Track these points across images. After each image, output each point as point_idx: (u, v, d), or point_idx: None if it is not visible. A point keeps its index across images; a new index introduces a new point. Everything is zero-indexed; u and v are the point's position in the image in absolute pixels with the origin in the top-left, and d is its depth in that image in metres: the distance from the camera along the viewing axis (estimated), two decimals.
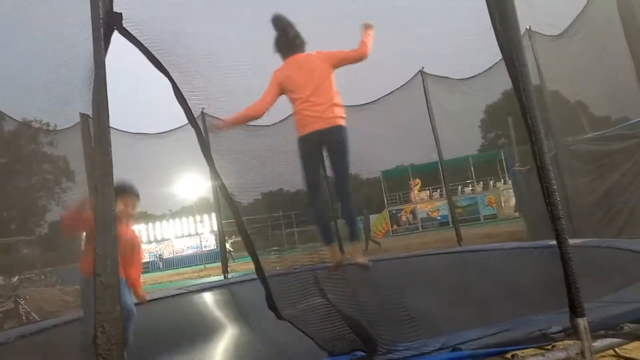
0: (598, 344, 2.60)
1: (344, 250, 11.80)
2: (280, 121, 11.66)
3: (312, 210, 4.32)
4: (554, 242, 2.70)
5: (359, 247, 4.26)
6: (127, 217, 4.89)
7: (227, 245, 25.38)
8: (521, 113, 2.76)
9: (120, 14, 2.65)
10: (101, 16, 2.46)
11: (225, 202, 3.37)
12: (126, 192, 4.88)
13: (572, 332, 2.61)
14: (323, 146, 4.26)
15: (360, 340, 2.56)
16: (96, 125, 2.27)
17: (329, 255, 4.20)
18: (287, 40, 4.31)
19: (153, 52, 2.78)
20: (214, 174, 3.02)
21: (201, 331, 5.36)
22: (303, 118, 4.24)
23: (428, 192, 35.89)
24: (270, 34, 4.22)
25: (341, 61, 4.31)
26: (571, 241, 2.72)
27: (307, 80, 4.17)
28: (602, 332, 2.71)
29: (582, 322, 2.56)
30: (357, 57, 4.34)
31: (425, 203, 34.73)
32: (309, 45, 4.40)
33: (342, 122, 4.25)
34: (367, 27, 4.45)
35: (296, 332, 2.72)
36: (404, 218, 35.31)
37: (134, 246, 5.06)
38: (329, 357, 2.59)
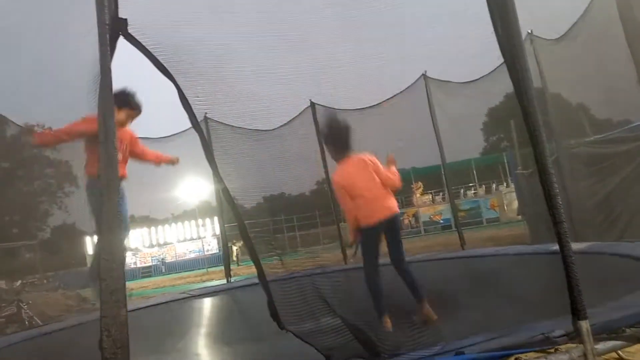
0: (600, 346, 2.61)
1: (346, 254, 11.85)
2: (282, 125, 11.71)
3: (371, 286, 4.57)
4: (556, 245, 2.71)
5: (425, 305, 4.48)
6: (124, 125, 5.24)
7: (235, 248, 26.03)
8: (523, 117, 2.78)
9: (126, 19, 2.67)
10: (107, 22, 2.48)
11: (227, 206, 3.39)
12: (130, 106, 5.18)
13: (574, 335, 2.62)
14: (384, 231, 4.81)
15: (362, 346, 2.56)
16: (102, 131, 2.29)
17: (384, 326, 4.25)
18: (343, 144, 4.98)
19: (158, 57, 2.80)
20: (217, 177, 3.03)
21: (204, 335, 5.37)
22: (368, 212, 4.72)
23: (430, 195, 35.80)
24: (274, 38, 4.28)
25: (380, 175, 4.86)
26: (573, 246, 2.73)
27: (367, 182, 4.76)
28: (604, 335, 2.72)
29: (584, 325, 2.57)
30: (392, 183, 4.93)
31: (428, 206, 34.65)
32: (310, 48, 4.64)
33: (397, 209, 4.94)
34: (390, 162, 5.13)
35: (297, 339, 2.72)
36: (406, 221, 35.20)
37: (133, 141, 5.45)
38: None
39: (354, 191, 4.74)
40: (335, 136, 5.07)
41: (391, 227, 4.81)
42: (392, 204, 4.85)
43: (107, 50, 2.39)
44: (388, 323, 4.26)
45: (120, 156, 5.04)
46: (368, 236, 4.79)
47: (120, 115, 5.01)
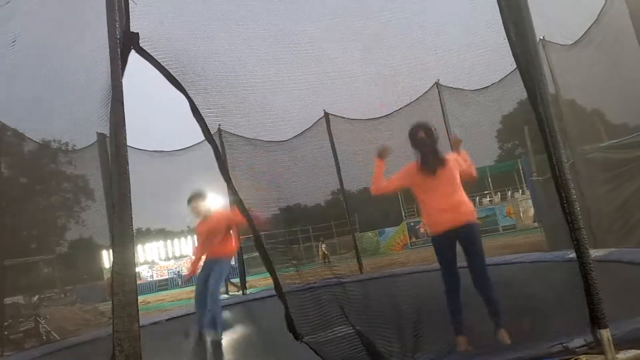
0: (621, 355, 2.55)
1: (362, 264, 11.77)
2: (296, 136, 11.73)
3: (448, 299, 4.20)
4: (574, 252, 2.66)
5: (503, 331, 3.88)
6: (203, 214, 6.82)
7: (323, 247, 28.39)
8: (537, 123, 2.74)
9: (137, 33, 2.69)
10: (118, 36, 2.50)
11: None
12: (202, 197, 6.94)
13: (594, 345, 2.56)
14: (458, 240, 4.40)
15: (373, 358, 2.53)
16: (113, 145, 2.30)
17: (459, 344, 3.80)
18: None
19: (170, 71, 2.82)
20: (231, 189, 3.03)
21: (220, 348, 5.35)
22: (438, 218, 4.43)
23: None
24: (285, 50, 4.29)
25: (462, 171, 4.57)
26: (593, 253, 2.68)
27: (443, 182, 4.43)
28: (626, 344, 2.66)
29: (605, 334, 2.52)
30: (471, 176, 4.73)
31: None
32: (321, 58, 4.58)
33: (474, 218, 4.47)
34: (457, 144, 4.96)
35: (312, 352, 2.70)
36: (422, 230, 35.01)
37: (230, 223, 6.78)
38: None
39: (427, 193, 4.49)
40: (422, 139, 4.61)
41: (465, 237, 4.39)
42: (467, 210, 4.45)
43: (118, 64, 2.41)
44: (464, 342, 3.82)
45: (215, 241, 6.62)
46: (439, 245, 4.45)
47: (203, 207, 6.87)
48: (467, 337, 3.80)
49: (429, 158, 4.45)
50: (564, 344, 2.62)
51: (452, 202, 4.37)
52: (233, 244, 6.95)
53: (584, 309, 2.61)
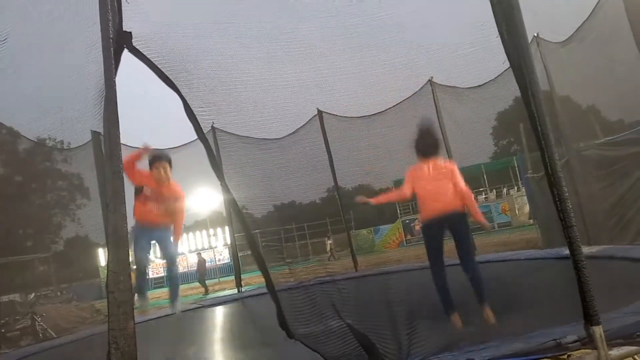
0: (614, 352, 2.57)
1: (357, 261, 11.80)
2: (290, 134, 11.74)
3: (436, 282, 4.82)
4: (568, 250, 2.67)
5: (488, 309, 4.53)
6: (167, 179, 5.87)
7: (329, 242, 29.37)
8: (530, 121, 2.75)
9: (130, 32, 2.68)
10: (111, 35, 2.50)
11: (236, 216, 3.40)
12: (161, 159, 5.87)
13: (587, 341, 2.58)
14: (447, 227, 4.98)
15: (367, 354, 2.54)
16: (107, 144, 2.30)
17: (453, 324, 4.49)
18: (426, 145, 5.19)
19: (163, 70, 2.82)
20: (225, 188, 3.03)
21: (215, 344, 5.36)
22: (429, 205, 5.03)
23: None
24: (277, 48, 4.31)
25: (456, 185, 5.02)
26: (586, 250, 2.70)
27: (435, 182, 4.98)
28: (619, 340, 2.67)
29: (597, 330, 2.53)
30: (468, 199, 5.10)
31: None
32: (313, 56, 4.66)
33: (461, 208, 5.01)
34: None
35: (307, 348, 2.71)
36: (417, 227, 35.05)
37: (179, 198, 6.06)
38: None
39: (422, 191, 5.02)
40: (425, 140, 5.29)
41: (454, 224, 4.94)
42: (455, 203, 4.96)
43: (111, 64, 2.41)
44: (457, 320, 4.44)
45: (156, 207, 5.94)
46: (427, 230, 5.10)
47: (159, 171, 5.80)
48: (459, 314, 4.32)
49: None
50: (557, 340, 2.63)
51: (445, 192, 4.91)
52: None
53: (578, 305, 2.63)
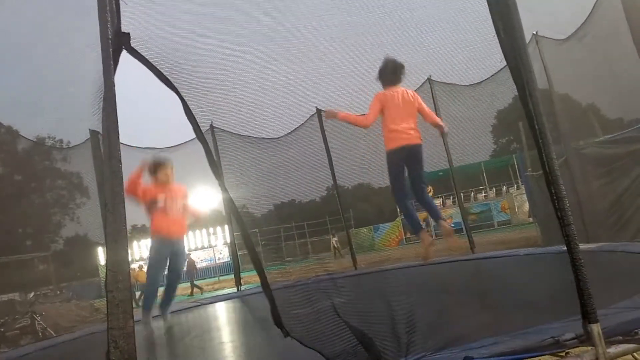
0: (612, 350, 2.58)
1: (356, 260, 11.80)
2: (289, 133, 11.74)
3: (400, 205, 5.56)
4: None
5: (445, 224, 5.33)
6: (171, 181, 6.34)
7: (334, 240, 30.00)
8: (527, 120, 2.77)
9: (128, 33, 2.69)
10: (109, 36, 2.51)
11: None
12: (163, 164, 6.34)
13: (585, 339, 2.59)
14: (406, 157, 5.43)
15: (366, 352, 2.55)
16: (106, 145, 2.31)
17: (423, 240, 5.35)
18: (389, 71, 5.56)
19: (161, 70, 2.82)
20: (222, 187, 3.04)
21: (214, 343, 5.37)
22: (395, 136, 5.40)
23: (441, 199, 35.64)
24: (276, 47, 4.33)
25: (421, 111, 5.60)
26: (586, 246, 2.71)
27: (404, 108, 5.42)
28: (618, 338, 2.68)
29: (595, 328, 2.54)
30: (432, 120, 5.76)
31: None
32: (312, 55, 4.76)
33: (420, 141, 5.49)
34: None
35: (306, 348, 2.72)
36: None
37: (186, 195, 6.60)
38: None
39: (391, 114, 5.39)
40: (389, 68, 5.61)
41: (413, 156, 5.39)
42: (416, 136, 5.41)
43: (110, 65, 2.42)
44: (426, 236, 5.25)
45: (177, 212, 6.35)
46: (393, 159, 5.45)
47: (162, 176, 6.24)
48: (428, 230, 4.68)
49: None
50: (555, 338, 2.64)
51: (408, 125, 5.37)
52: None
53: (576, 303, 2.64)
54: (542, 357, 2.61)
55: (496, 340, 2.78)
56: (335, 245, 30.40)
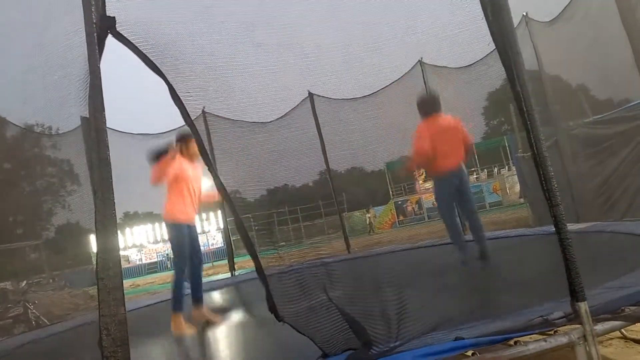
0: (599, 327, 2.62)
1: (349, 244, 11.84)
2: (281, 117, 11.70)
3: (450, 228, 5.90)
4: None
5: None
6: (196, 157, 5.69)
7: (368, 216, 31.40)
8: (515, 101, 2.78)
9: (114, 17, 2.66)
10: (94, 20, 2.48)
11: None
12: (189, 136, 5.57)
13: (573, 317, 2.62)
14: (456, 183, 5.70)
15: (356, 337, 2.57)
16: (93, 130, 2.29)
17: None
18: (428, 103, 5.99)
19: (148, 55, 2.79)
20: (213, 173, 3.04)
21: (208, 328, 5.39)
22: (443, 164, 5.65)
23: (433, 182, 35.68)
24: (262, 31, 4.28)
25: (464, 138, 5.84)
26: (575, 226, 2.74)
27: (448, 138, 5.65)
28: (606, 315, 2.72)
29: (582, 306, 2.58)
30: (469, 145, 5.94)
31: (431, 193, 34.63)
32: (299, 38, 4.76)
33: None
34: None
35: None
36: (409, 208, 35.28)
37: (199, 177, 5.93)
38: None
39: (436, 144, 5.51)
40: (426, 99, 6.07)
41: (463, 177, 5.70)
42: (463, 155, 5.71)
43: (95, 50, 2.39)
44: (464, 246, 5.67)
45: (196, 194, 5.88)
46: (441, 185, 5.79)
47: (191, 148, 5.62)
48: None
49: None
50: (544, 317, 2.67)
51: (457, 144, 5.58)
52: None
53: (565, 282, 2.67)
54: (532, 335, 2.64)
55: (486, 320, 2.81)
56: (371, 221, 31.76)
